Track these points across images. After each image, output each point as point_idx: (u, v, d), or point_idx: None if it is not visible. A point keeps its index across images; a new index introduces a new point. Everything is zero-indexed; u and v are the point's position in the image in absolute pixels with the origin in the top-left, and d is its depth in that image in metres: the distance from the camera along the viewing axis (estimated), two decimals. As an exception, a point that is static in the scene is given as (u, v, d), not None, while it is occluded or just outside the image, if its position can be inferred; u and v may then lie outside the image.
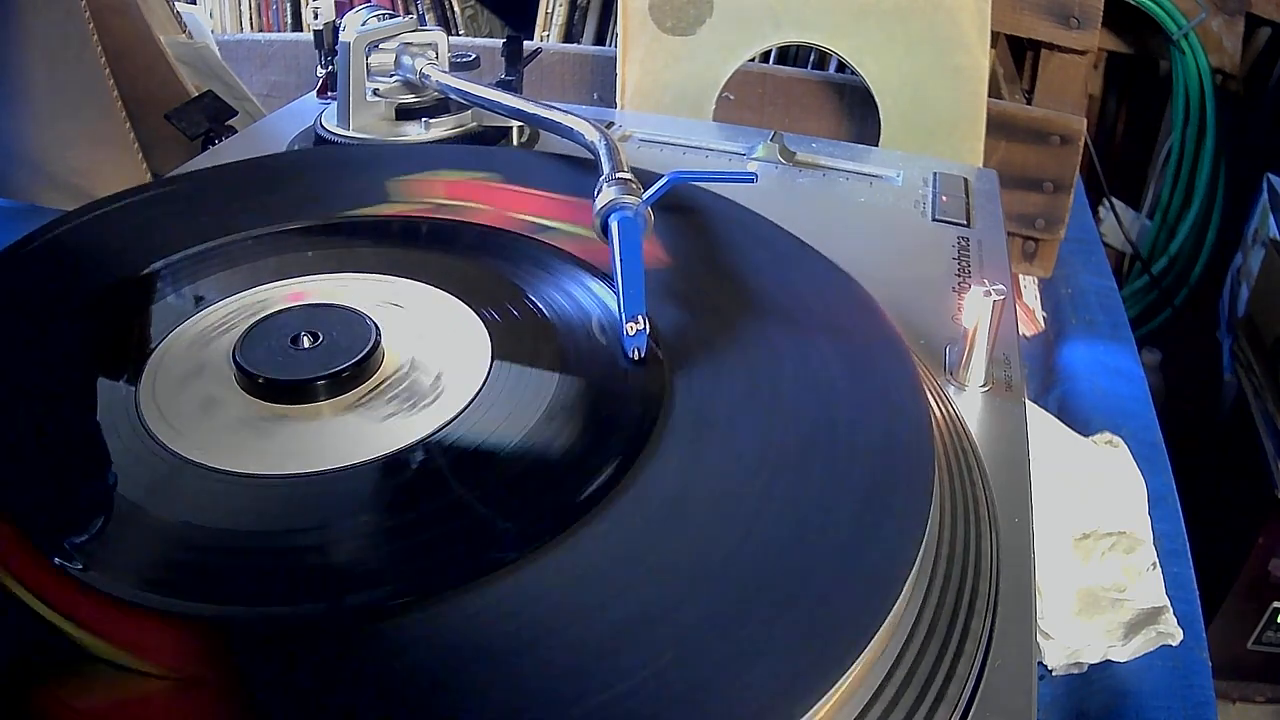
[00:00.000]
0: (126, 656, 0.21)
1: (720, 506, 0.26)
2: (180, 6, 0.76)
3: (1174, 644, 0.42)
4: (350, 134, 0.53)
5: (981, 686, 0.25)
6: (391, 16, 0.54)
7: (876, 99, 0.66)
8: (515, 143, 0.55)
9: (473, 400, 0.30)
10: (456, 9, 1.09)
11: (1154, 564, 0.45)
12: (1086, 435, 0.50)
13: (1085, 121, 0.74)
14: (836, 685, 0.21)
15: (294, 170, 0.46)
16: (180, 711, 0.21)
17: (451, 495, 0.27)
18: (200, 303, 0.35)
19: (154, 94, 0.66)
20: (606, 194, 0.37)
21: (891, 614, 0.23)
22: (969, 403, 0.36)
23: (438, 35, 0.54)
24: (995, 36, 0.87)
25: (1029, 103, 0.92)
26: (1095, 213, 1.17)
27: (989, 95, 0.66)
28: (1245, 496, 0.89)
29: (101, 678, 0.21)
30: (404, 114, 0.54)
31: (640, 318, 0.31)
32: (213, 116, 0.62)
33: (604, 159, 0.40)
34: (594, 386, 0.31)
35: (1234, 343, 1.04)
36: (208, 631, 0.22)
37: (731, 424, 0.29)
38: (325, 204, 0.41)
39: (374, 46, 0.52)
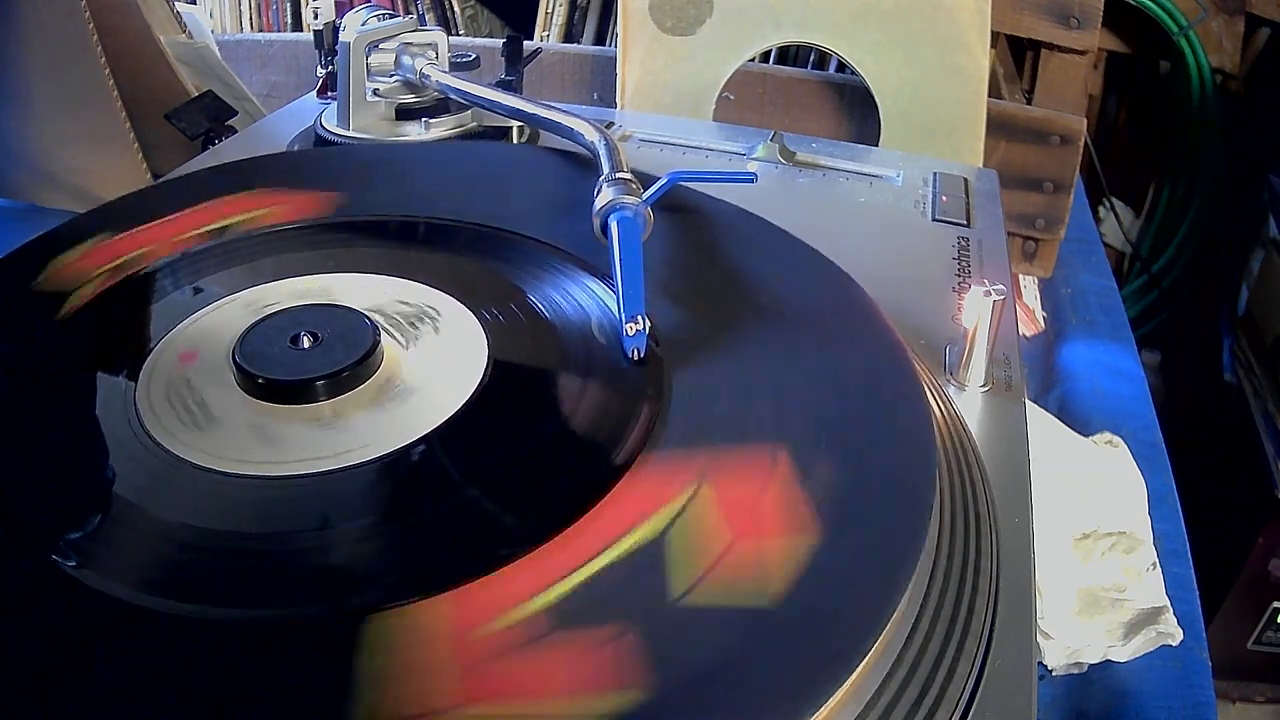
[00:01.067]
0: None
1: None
2: (180, 6, 0.76)
3: (1174, 644, 0.42)
4: (350, 134, 0.53)
5: (981, 686, 0.25)
6: (391, 16, 0.54)
7: (876, 99, 0.66)
8: (515, 143, 0.55)
9: (471, 400, 0.30)
10: (456, 9, 1.09)
11: (1154, 564, 0.45)
12: (1086, 435, 0.50)
13: (1085, 121, 0.74)
14: (839, 685, 0.21)
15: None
16: None
17: (449, 497, 0.27)
18: (199, 302, 0.35)
19: (154, 94, 0.67)
20: (606, 194, 0.37)
21: (894, 613, 0.23)
22: (969, 403, 0.36)
23: (438, 35, 0.54)
24: (995, 36, 0.87)
25: (1029, 103, 0.92)
26: (1095, 213, 1.17)
27: (989, 95, 0.66)
28: (1245, 496, 0.89)
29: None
30: (404, 114, 0.54)
31: (640, 318, 0.31)
32: (213, 116, 0.62)
33: (604, 159, 0.40)
34: (593, 387, 0.31)
35: (1234, 343, 1.04)
36: None
37: (731, 424, 0.29)
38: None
39: (374, 46, 0.52)
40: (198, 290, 0.36)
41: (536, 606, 0.23)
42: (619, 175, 0.38)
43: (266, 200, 0.41)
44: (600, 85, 0.81)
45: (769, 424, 0.29)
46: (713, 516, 0.26)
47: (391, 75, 0.53)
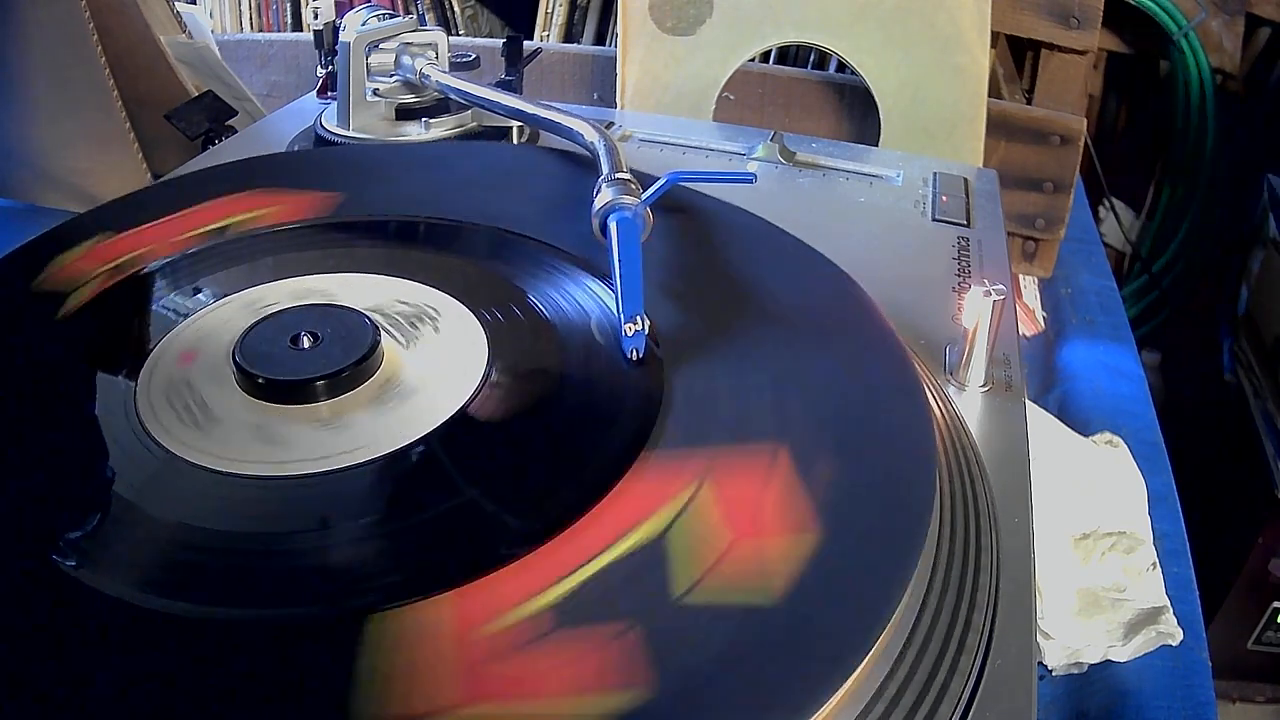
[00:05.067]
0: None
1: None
2: (180, 6, 0.76)
3: (1174, 644, 0.42)
4: (350, 134, 0.53)
5: (981, 686, 0.25)
6: (391, 16, 0.54)
7: (876, 99, 0.66)
8: (515, 143, 0.55)
9: (470, 401, 0.30)
10: (456, 9, 1.09)
11: (1154, 564, 0.45)
12: (1086, 435, 0.50)
13: (1085, 121, 0.74)
14: (839, 685, 0.21)
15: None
16: None
17: (448, 497, 0.27)
18: (199, 302, 0.35)
19: (154, 94, 0.66)
20: (605, 194, 0.37)
21: (894, 613, 0.23)
22: (969, 403, 0.36)
23: (438, 35, 0.54)
24: (995, 36, 0.87)
25: (1029, 103, 0.92)
26: (1095, 213, 1.17)
27: (989, 95, 0.66)
28: (1245, 496, 0.89)
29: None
30: (404, 114, 0.54)
31: (639, 318, 0.31)
32: (213, 116, 0.62)
33: (603, 159, 0.40)
34: (592, 387, 0.31)
35: (1234, 343, 1.04)
36: None
37: (731, 424, 0.29)
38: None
39: (374, 46, 0.52)
40: (197, 290, 0.36)
41: (538, 605, 0.23)
42: (618, 175, 0.38)
43: (265, 200, 0.41)
44: (600, 85, 0.81)
45: (769, 424, 0.29)
46: (713, 516, 0.26)
47: (391, 75, 0.53)
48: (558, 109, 0.47)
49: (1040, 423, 0.49)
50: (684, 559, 0.24)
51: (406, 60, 0.52)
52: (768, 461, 0.27)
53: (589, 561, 0.24)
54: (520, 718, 0.21)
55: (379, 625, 0.22)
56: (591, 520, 0.25)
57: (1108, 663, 0.42)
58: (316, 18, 0.60)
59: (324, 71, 0.60)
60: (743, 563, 0.24)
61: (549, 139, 0.50)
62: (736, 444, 0.28)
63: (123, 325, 0.34)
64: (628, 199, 0.36)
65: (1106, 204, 1.28)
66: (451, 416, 0.29)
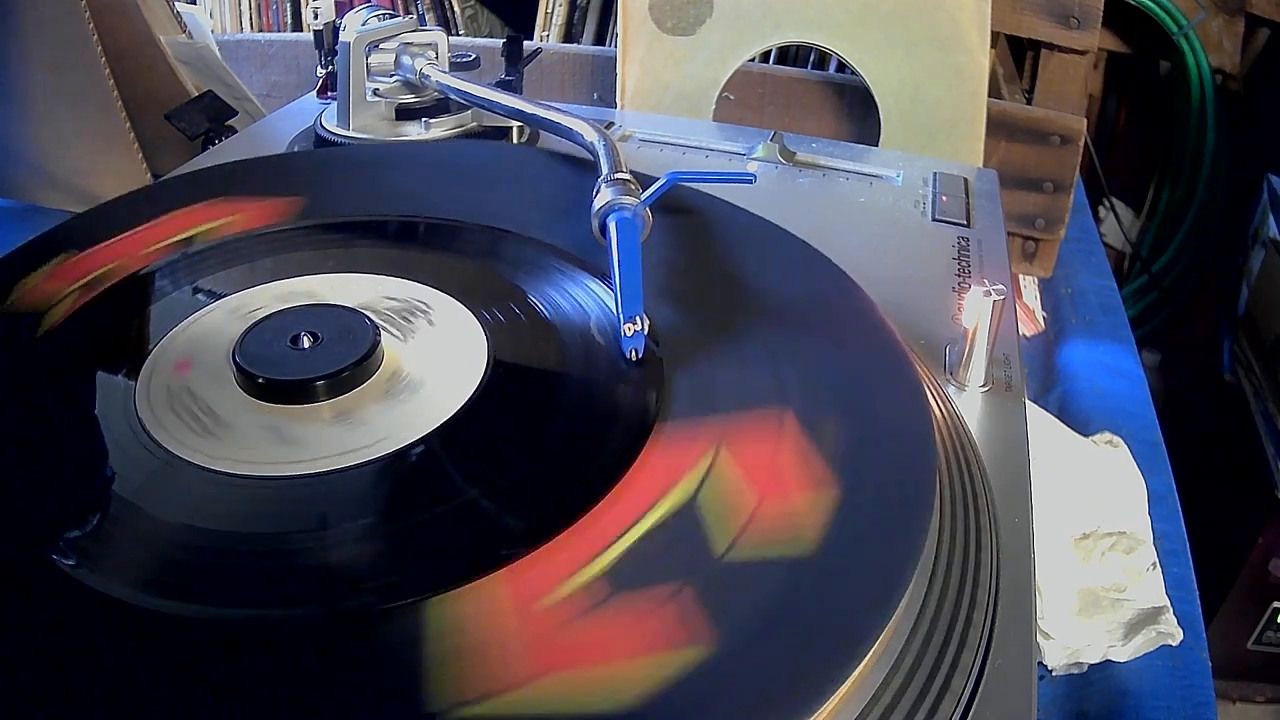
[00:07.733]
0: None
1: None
2: (180, 6, 0.76)
3: (1174, 644, 0.42)
4: (350, 134, 0.53)
5: (981, 686, 0.25)
6: (391, 16, 0.55)
7: (876, 99, 0.66)
8: (515, 143, 0.55)
9: (470, 401, 0.30)
10: (456, 9, 1.09)
11: (1154, 564, 0.45)
12: (1086, 435, 0.50)
13: (1085, 121, 0.74)
14: (840, 685, 0.21)
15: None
16: None
17: (448, 497, 0.27)
18: (199, 302, 0.35)
19: (154, 94, 0.66)
20: (605, 194, 0.37)
21: (895, 613, 0.23)
22: (969, 403, 0.36)
23: (438, 35, 0.54)
24: (995, 36, 0.87)
25: (1029, 103, 0.92)
26: (1095, 213, 1.17)
27: (989, 95, 0.66)
28: (1245, 496, 0.89)
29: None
30: (404, 114, 0.54)
31: (638, 318, 0.31)
32: (213, 116, 0.62)
33: (603, 159, 0.40)
34: (592, 387, 0.31)
35: (1234, 343, 1.04)
36: None
37: (730, 423, 0.29)
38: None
39: (374, 46, 0.52)
40: (197, 291, 0.36)
41: (593, 572, 0.24)
42: (618, 176, 0.38)
43: (230, 209, 0.41)
44: (600, 85, 0.81)
45: (768, 424, 0.29)
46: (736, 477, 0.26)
47: (391, 75, 0.53)
48: (558, 109, 0.47)
49: (1040, 423, 0.49)
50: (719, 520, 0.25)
51: (406, 60, 0.52)
52: (777, 427, 0.28)
53: (630, 528, 0.25)
54: (594, 681, 0.21)
55: (439, 609, 0.23)
56: (621, 492, 0.26)
57: (1108, 663, 0.42)
58: (316, 18, 0.60)
59: (324, 71, 0.60)
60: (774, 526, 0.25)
61: (549, 139, 0.50)
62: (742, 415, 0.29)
63: (109, 340, 0.34)
64: (627, 199, 0.36)
65: (1106, 204, 1.28)
66: (467, 403, 0.30)
